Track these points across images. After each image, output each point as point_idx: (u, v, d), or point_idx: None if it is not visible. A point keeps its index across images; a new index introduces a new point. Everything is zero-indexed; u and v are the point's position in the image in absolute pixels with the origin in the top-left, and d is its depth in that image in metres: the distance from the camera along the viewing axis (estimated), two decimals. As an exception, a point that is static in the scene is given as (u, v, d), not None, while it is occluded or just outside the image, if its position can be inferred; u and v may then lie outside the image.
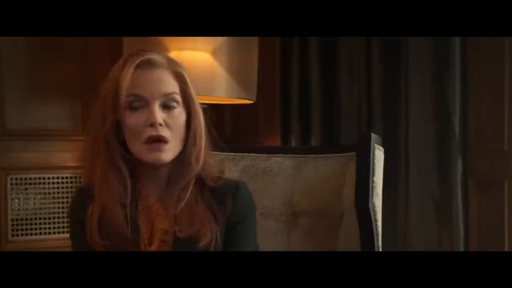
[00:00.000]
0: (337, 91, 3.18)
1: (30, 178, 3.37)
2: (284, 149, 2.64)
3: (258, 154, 2.35)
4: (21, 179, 3.35)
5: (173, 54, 2.88)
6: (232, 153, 2.36)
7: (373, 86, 2.98)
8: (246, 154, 2.36)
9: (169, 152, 1.74)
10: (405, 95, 2.88)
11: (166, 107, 1.74)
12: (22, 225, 3.36)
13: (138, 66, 1.73)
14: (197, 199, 1.79)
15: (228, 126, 3.78)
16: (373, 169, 2.08)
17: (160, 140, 1.72)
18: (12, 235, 3.32)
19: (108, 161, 1.75)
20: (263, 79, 3.38)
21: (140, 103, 1.73)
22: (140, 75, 1.73)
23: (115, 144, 1.75)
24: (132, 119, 1.73)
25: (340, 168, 2.23)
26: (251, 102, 3.18)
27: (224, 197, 1.79)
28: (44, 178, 3.39)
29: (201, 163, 1.80)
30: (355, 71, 3.12)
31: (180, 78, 1.78)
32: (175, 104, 1.75)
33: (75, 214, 1.80)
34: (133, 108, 1.73)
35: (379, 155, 2.15)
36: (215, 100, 3.16)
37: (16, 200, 3.35)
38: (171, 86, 1.76)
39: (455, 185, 2.75)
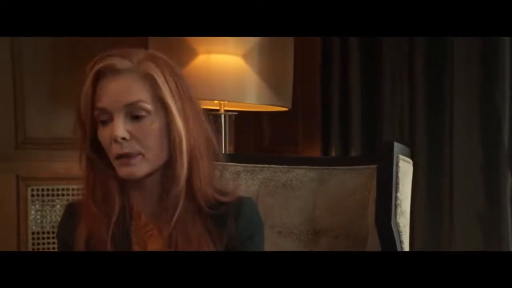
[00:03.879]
0: (380, 98, 2.98)
1: (53, 190, 3.24)
2: (307, 159, 2.44)
3: (279, 166, 2.15)
4: (42, 190, 3.22)
5: (201, 58, 2.78)
6: (252, 164, 2.17)
7: (417, 95, 2.81)
8: (266, 165, 2.16)
9: (142, 165, 1.58)
10: (450, 104, 2.71)
11: (135, 117, 1.57)
12: (43, 238, 3.23)
13: (103, 74, 1.57)
14: (194, 218, 1.61)
15: (266, 135, 3.61)
16: (397, 184, 1.85)
17: (127, 156, 1.56)
18: (33, 249, 3.20)
19: (94, 178, 1.63)
20: (302, 84, 3.22)
21: (106, 116, 1.57)
22: (104, 85, 1.57)
23: (98, 161, 1.62)
24: (102, 134, 1.59)
25: (365, 181, 2.02)
26: (286, 109, 3.00)
27: (224, 218, 1.62)
28: (68, 190, 3.25)
29: (185, 168, 1.60)
30: (398, 77, 2.92)
31: (151, 81, 1.58)
32: (143, 112, 1.57)
33: (62, 234, 1.69)
34: (102, 122, 1.58)
35: (405, 168, 1.91)
36: (246, 107, 3.03)
37: (39, 212, 3.23)
38: (137, 93, 1.57)
39: (503, 202, 2.56)
